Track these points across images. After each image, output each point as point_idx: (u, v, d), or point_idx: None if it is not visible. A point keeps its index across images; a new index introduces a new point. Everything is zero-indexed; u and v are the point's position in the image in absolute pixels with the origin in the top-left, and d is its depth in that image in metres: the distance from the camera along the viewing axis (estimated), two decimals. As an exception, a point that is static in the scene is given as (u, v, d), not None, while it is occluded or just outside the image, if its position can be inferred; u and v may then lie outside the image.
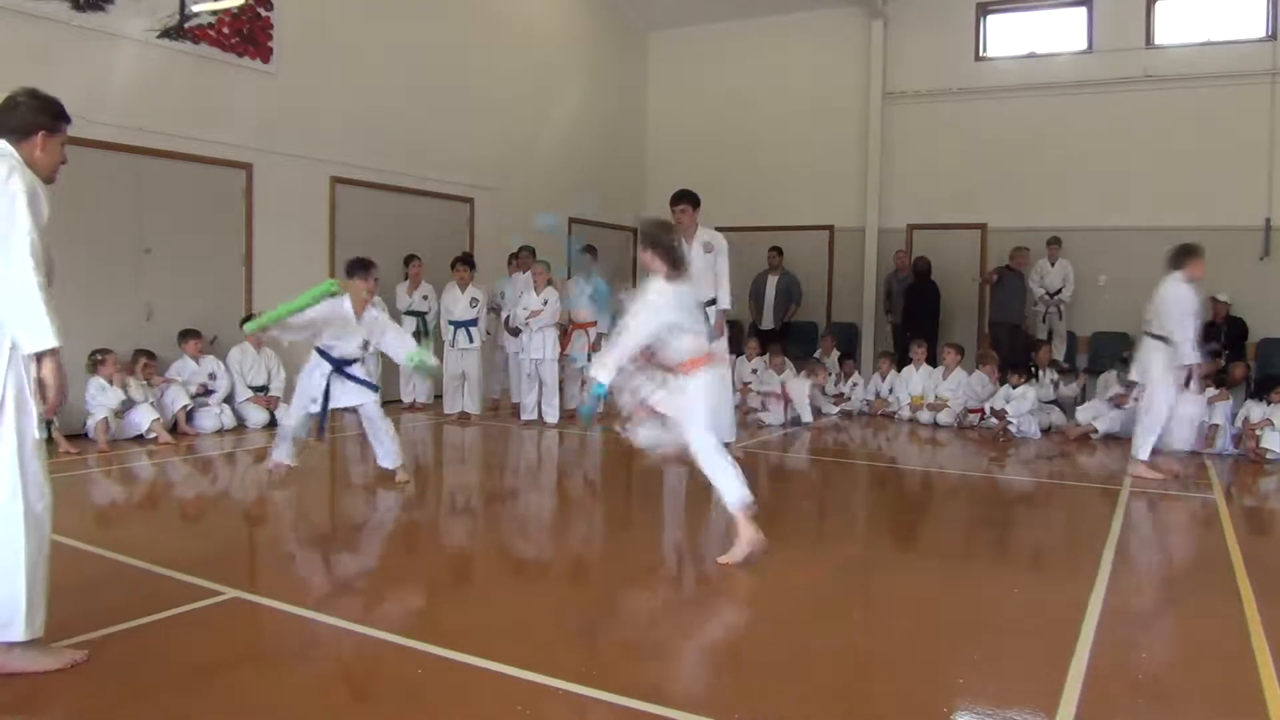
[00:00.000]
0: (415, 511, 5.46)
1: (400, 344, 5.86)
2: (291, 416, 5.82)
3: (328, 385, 5.63)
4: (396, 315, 9.46)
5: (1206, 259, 10.25)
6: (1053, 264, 10.81)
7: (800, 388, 9.22)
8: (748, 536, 4.03)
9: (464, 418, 8.76)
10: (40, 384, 2.73)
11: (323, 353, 5.64)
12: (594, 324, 8.98)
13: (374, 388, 5.85)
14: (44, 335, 2.66)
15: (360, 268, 5.66)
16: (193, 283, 8.06)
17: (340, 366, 5.66)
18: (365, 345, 5.75)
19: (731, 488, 4.05)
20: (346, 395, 5.70)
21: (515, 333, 9.02)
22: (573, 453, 7.61)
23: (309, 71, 8.83)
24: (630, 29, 13.63)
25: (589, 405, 4.56)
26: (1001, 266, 10.68)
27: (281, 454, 5.78)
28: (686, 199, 6.75)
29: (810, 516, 5.68)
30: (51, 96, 2.95)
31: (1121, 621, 3.42)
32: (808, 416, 9.12)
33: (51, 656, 2.81)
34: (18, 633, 2.70)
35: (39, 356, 2.69)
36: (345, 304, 5.52)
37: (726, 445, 4.67)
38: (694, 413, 4.09)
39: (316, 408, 5.65)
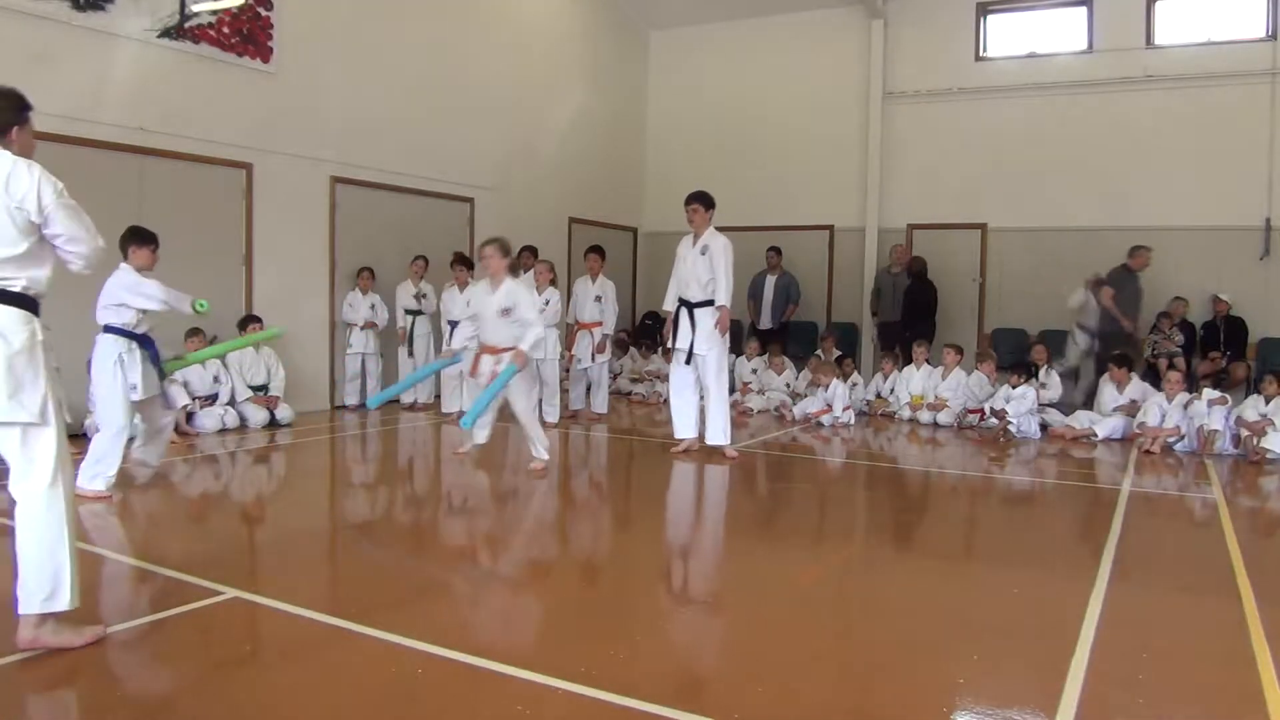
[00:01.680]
0: (415, 511, 5.46)
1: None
2: (119, 436, 5.23)
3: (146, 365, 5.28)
4: (396, 314, 9.54)
5: (1206, 258, 10.32)
6: None
7: (845, 391, 9.20)
8: None
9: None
10: None
11: (124, 332, 5.24)
12: (599, 324, 8.99)
13: (162, 374, 5.50)
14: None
15: (147, 237, 5.43)
16: (193, 283, 7.97)
17: (148, 345, 5.33)
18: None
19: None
20: (150, 379, 5.36)
21: None
22: (573, 452, 7.61)
23: (309, 71, 8.84)
24: (630, 29, 13.63)
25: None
26: (1116, 268, 9.82)
27: (108, 483, 5.21)
28: (696, 199, 6.90)
29: (810, 516, 5.68)
30: (10, 89, 3.05)
31: (1121, 621, 3.42)
32: (851, 418, 9.11)
33: (77, 634, 2.96)
34: (64, 603, 2.90)
35: None
36: (127, 270, 5.29)
37: None
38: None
39: (138, 394, 5.23)
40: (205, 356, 6.49)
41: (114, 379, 5.19)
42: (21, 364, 2.86)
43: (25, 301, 2.91)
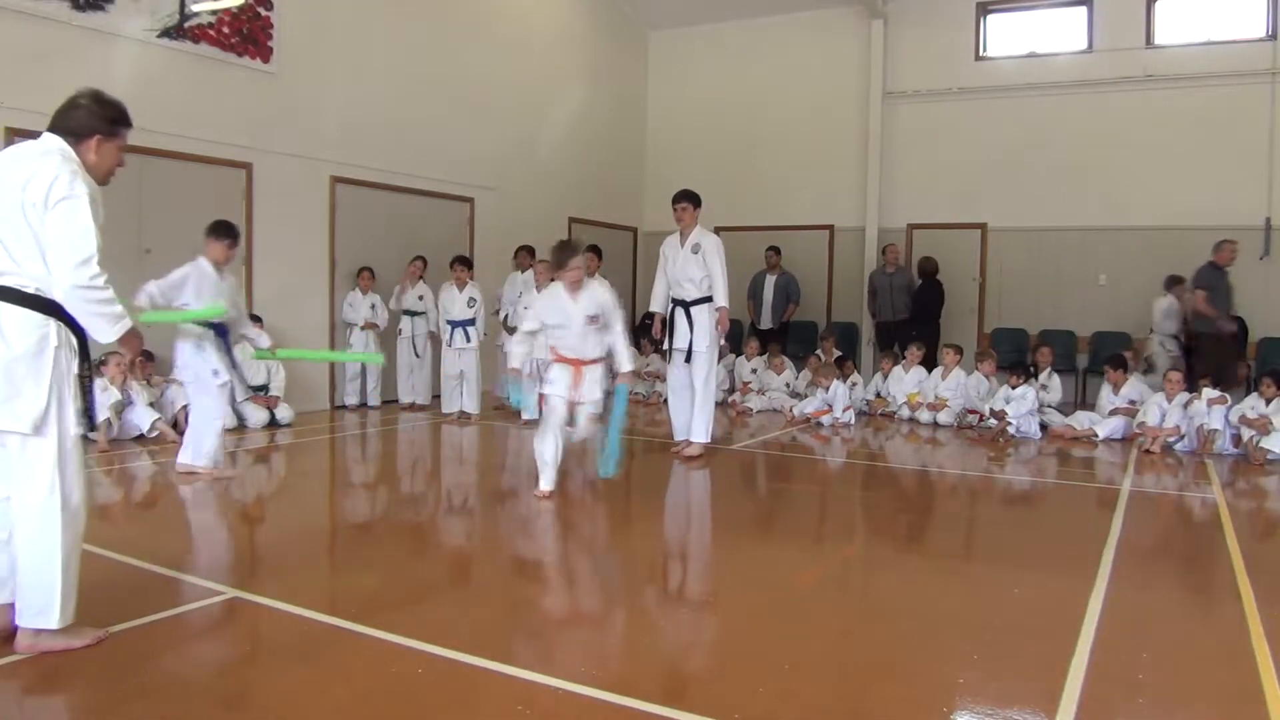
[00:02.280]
0: (414, 511, 5.46)
1: (257, 331, 6.06)
2: (211, 417, 5.71)
3: (228, 353, 5.70)
4: (396, 314, 9.53)
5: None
6: None
7: (845, 392, 9.18)
8: None
9: (463, 417, 8.76)
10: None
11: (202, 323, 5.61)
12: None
13: (234, 363, 5.90)
14: (120, 325, 2.91)
15: (224, 231, 5.74)
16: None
17: (223, 334, 5.68)
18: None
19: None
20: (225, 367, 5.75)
21: (513, 332, 9.03)
22: (573, 453, 7.59)
23: (309, 71, 8.84)
24: (630, 28, 13.63)
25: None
26: (1203, 267, 9.14)
27: (208, 459, 5.73)
28: (686, 198, 6.88)
29: (810, 516, 5.67)
30: (113, 100, 3.02)
31: (1121, 621, 3.42)
32: (851, 418, 9.09)
33: (77, 636, 2.93)
34: (52, 620, 2.85)
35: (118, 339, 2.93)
36: (204, 263, 5.63)
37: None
38: None
39: (223, 378, 5.67)
40: (294, 356, 6.40)
41: (198, 364, 5.60)
42: (22, 370, 2.75)
43: (39, 303, 2.79)
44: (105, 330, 2.89)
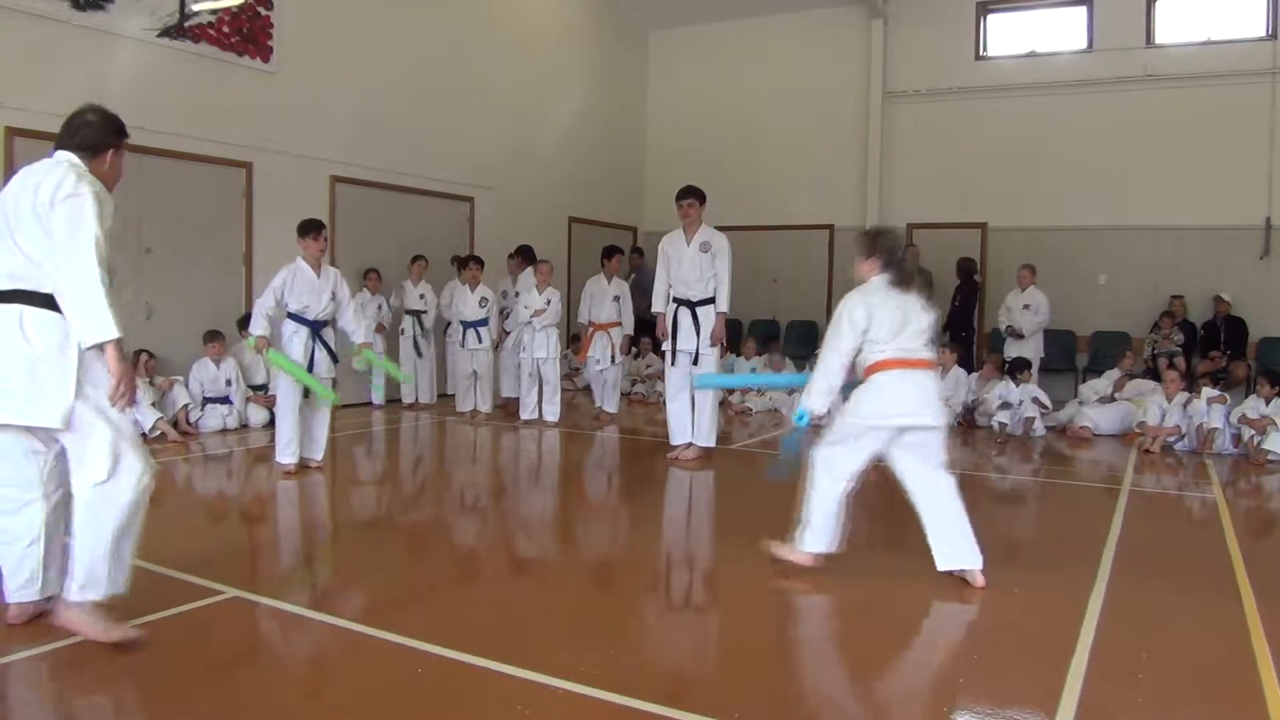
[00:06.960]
0: (415, 511, 5.46)
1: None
2: (288, 411, 5.93)
3: (313, 351, 5.93)
4: (398, 313, 9.53)
5: (1206, 258, 10.35)
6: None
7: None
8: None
9: (475, 415, 8.79)
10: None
11: (297, 318, 5.89)
12: (617, 324, 8.93)
13: (335, 358, 6.12)
14: (105, 327, 2.78)
15: (307, 228, 5.96)
16: (193, 282, 8.07)
17: (317, 330, 5.93)
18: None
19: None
20: (320, 366, 5.98)
21: (505, 332, 9.09)
22: (573, 452, 7.60)
23: (309, 71, 8.84)
24: (631, 28, 13.63)
25: (792, 439, 4.16)
26: None
27: (288, 456, 5.96)
28: (692, 194, 6.68)
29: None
30: (114, 114, 3.15)
31: (1121, 621, 3.42)
32: None
33: (111, 629, 2.95)
34: (99, 593, 2.93)
35: (102, 347, 2.81)
36: (300, 264, 5.88)
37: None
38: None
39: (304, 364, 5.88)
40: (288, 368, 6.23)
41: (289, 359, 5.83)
42: (46, 368, 2.82)
43: (57, 303, 2.84)
44: (91, 328, 2.76)
